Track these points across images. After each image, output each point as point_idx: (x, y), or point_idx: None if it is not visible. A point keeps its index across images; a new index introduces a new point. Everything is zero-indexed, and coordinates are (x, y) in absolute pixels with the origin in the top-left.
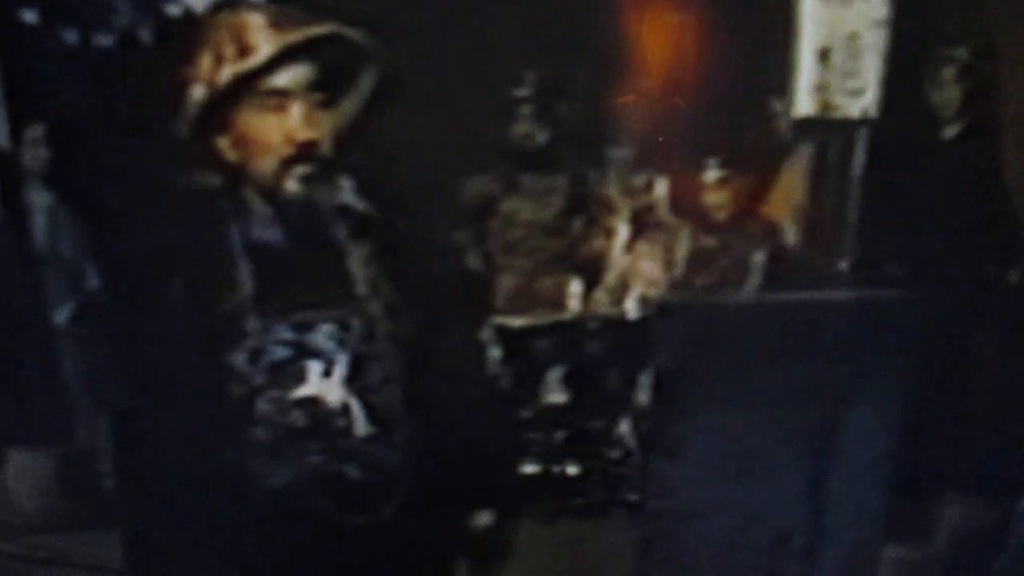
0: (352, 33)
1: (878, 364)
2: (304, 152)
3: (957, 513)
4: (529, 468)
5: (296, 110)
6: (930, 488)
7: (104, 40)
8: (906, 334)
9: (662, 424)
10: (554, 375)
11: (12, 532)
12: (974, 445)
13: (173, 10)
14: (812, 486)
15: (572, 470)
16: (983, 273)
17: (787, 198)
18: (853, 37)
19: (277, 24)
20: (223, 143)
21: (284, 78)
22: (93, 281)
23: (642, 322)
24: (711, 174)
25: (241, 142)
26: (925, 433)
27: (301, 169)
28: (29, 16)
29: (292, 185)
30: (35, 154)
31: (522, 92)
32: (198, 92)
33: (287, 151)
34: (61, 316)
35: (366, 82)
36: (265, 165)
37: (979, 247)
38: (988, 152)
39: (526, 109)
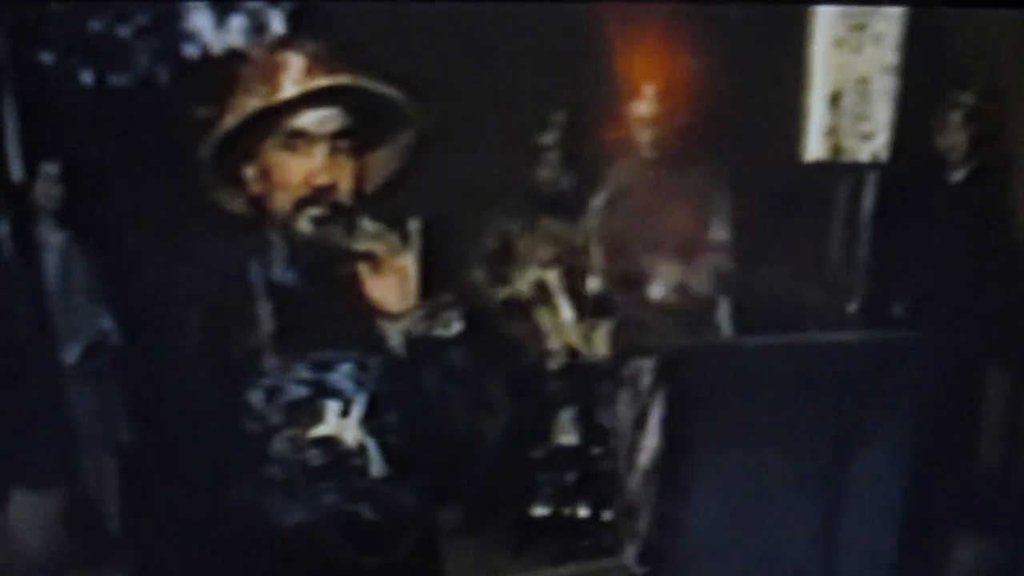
0: (377, 87)
1: (888, 405)
2: (318, 195)
3: (970, 554)
4: (539, 510)
5: (319, 153)
6: (942, 529)
7: (121, 80)
8: (916, 375)
9: (672, 465)
10: (567, 415)
11: (15, 575)
12: (987, 485)
13: (191, 51)
14: (823, 527)
15: (583, 512)
16: (992, 315)
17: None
18: (863, 81)
19: (311, 69)
20: (249, 172)
21: (307, 120)
22: (105, 320)
23: (652, 364)
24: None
25: (265, 176)
26: (937, 473)
27: (313, 211)
28: (46, 57)
29: (304, 225)
30: (49, 191)
31: (547, 139)
32: (225, 121)
33: (302, 192)
34: (71, 355)
35: (404, 140)
36: (282, 203)
37: (988, 289)
38: (995, 195)
39: (552, 155)
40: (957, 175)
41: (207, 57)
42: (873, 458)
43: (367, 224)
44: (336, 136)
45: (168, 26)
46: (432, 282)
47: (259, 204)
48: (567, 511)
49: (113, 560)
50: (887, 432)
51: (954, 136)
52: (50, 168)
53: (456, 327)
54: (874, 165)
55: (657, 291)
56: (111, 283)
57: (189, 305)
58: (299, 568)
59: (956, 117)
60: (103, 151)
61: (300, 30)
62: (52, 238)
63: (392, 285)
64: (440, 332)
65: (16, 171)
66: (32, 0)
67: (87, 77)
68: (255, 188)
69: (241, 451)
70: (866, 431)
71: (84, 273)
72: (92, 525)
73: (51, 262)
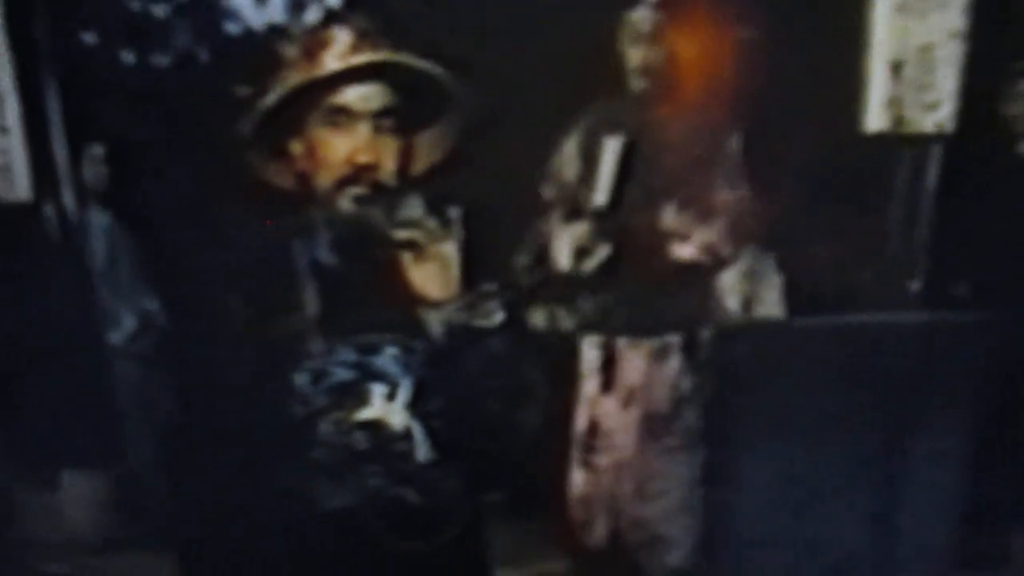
0: (420, 64)
1: (950, 389)
2: (360, 174)
3: None
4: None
5: (362, 131)
6: (1002, 517)
7: (162, 60)
8: (977, 357)
9: (720, 452)
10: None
11: (67, 554)
12: None
13: (233, 28)
14: (877, 516)
15: None
16: None
17: None
18: (927, 49)
19: (356, 45)
20: (296, 148)
21: (350, 97)
22: (151, 302)
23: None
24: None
25: (310, 153)
26: (998, 460)
27: (355, 190)
28: (87, 38)
29: (345, 204)
30: (95, 173)
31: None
32: (268, 96)
33: (344, 170)
34: (117, 337)
35: (451, 123)
36: (324, 180)
37: None
38: None
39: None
40: None
41: (249, 34)
42: (932, 444)
43: (414, 202)
44: (379, 114)
45: (208, 3)
46: (475, 271)
47: (305, 181)
48: None
49: (162, 540)
50: (947, 417)
51: (1022, 105)
52: (96, 149)
53: (498, 318)
54: (938, 136)
55: (685, 251)
56: (157, 264)
57: (234, 286)
58: (344, 550)
59: None
60: (148, 131)
61: (354, 6)
62: (98, 220)
63: (434, 273)
64: (481, 322)
65: (60, 153)
66: None
67: (128, 57)
68: (301, 165)
69: (287, 433)
70: (925, 416)
71: (130, 254)
72: (141, 506)
73: (97, 244)
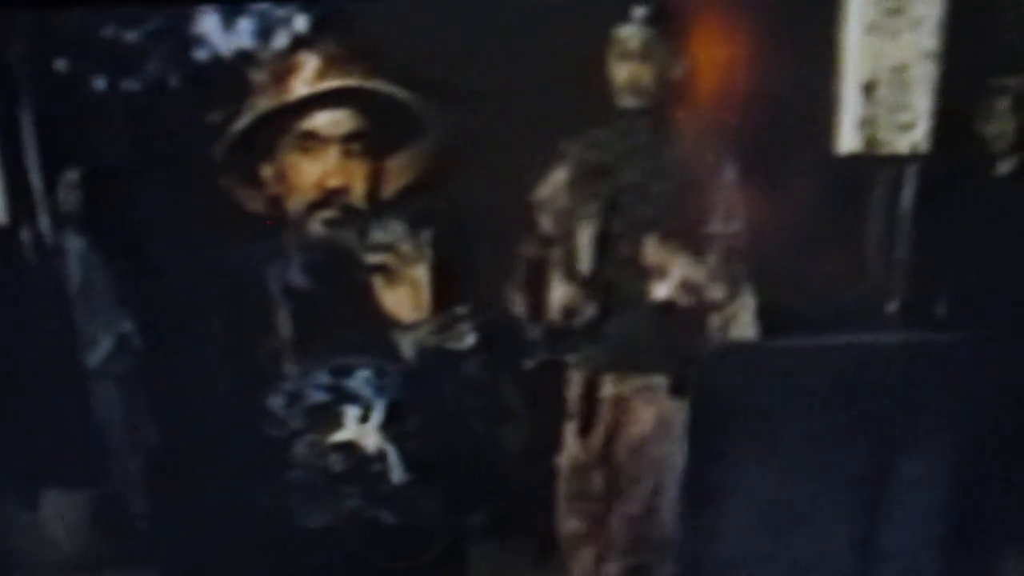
0: (387, 89)
1: (930, 410)
2: (331, 198)
3: (1018, 567)
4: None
5: (332, 155)
6: (989, 540)
7: (134, 85)
8: (960, 378)
9: (701, 471)
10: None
11: (48, 573)
12: None
13: (202, 55)
14: (861, 538)
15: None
16: None
17: None
18: (900, 69)
19: (324, 70)
20: (267, 172)
21: (319, 122)
22: (126, 324)
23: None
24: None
25: (281, 178)
26: (983, 482)
27: (325, 213)
28: (60, 64)
29: (316, 227)
30: (69, 198)
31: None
32: (237, 121)
33: (315, 195)
34: (94, 358)
35: (422, 146)
36: (295, 205)
37: None
38: None
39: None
40: (1004, 166)
41: (218, 60)
42: (915, 466)
43: (392, 225)
44: (348, 138)
45: (178, 30)
46: (448, 294)
47: (277, 205)
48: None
49: (141, 559)
50: (929, 439)
51: (1001, 124)
52: (71, 174)
53: (469, 340)
54: (913, 157)
55: (661, 291)
56: (132, 287)
57: (208, 309)
58: (325, 571)
59: (1003, 104)
60: (122, 157)
61: (322, 31)
62: (74, 243)
63: (405, 295)
64: (452, 345)
65: (35, 179)
66: (45, 6)
67: (100, 83)
68: (273, 189)
69: (264, 455)
70: (907, 438)
71: (105, 277)
72: (121, 525)
73: (73, 267)
